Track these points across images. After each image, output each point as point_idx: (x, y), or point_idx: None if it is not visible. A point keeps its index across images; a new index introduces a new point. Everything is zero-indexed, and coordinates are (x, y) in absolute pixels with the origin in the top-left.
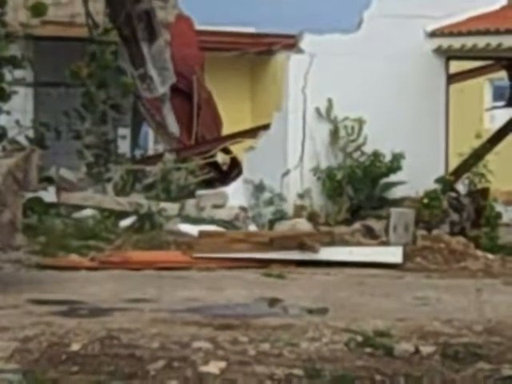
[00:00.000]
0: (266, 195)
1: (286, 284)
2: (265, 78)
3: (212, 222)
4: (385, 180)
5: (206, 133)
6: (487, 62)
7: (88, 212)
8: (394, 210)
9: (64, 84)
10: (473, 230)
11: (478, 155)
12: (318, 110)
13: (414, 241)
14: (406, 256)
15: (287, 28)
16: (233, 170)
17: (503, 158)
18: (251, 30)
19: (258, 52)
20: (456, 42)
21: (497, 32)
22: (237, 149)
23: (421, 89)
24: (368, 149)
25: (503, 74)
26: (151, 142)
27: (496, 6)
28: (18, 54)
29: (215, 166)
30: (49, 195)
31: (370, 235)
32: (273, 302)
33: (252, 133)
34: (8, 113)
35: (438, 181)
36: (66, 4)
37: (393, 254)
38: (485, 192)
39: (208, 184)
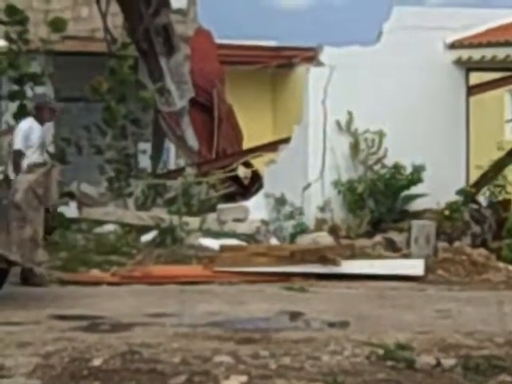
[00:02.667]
0: (287, 209)
1: (307, 297)
2: (285, 91)
3: (233, 235)
4: (406, 192)
5: (226, 147)
6: (507, 73)
7: (109, 227)
8: (415, 223)
9: (84, 99)
10: (494, 241)
11: (498, 167)
12: (338, 123)
13: (435, 253)
14: (428, 268)
15: (307, 41)
16: (254, 183)
17: None
18: (271, 43)
19: (278, 65)
20: (476, 54)
21: None
22: (258, 162)
23: (441, 101)
24: (389, 161)
25: None
26: (173, 157)
27: None
28: (38, 70)
29: (236, 179)
30: (70, 210)
31: (392, 248)
32: (294, 315)
33: (273, 146)
34: None
35: (459, 193)
36: (85, 19)
37: (414, 267)
38: (506, 203)
39: (229, 198)
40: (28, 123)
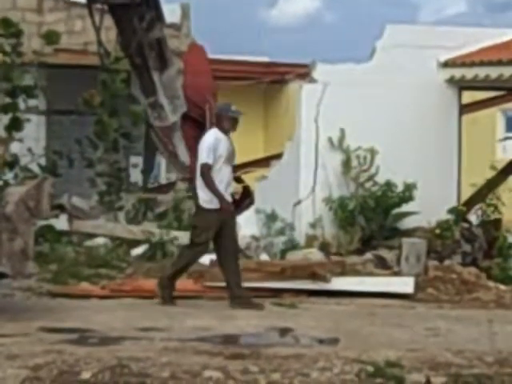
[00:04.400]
0: (278, 225)
1: (297, 314)
2: (278, 107)
3: None
4: (397, 210)
5: None
6: (500, 92)
7: (100, 240)
8: (405, 241)
9: (76, 112)
10: (485, 260)
11: (490, 186)
12: (330, 140)
13: (425, 271)
14: (418, 286)
15: (300, 57)
16: (245, 199)
17: None
18: (264, 59)
19: (270, 81)
20: (469, 73)
21: (509, 62)
22: (249, 178)
23: (433, 119)
24: (380, 179)
25: None
26: (164, 171)
27: (509, 37)
28: (30, 82)
29: None
30: (60, 223)
31: (382, 265)
32: (284, 331)
33: (264, 162)
34: (20, 140)
35: (450, 211)
36: (78, 32)
37: (404, 285)
38: (497, 223)
39: None
40: (212, 136)
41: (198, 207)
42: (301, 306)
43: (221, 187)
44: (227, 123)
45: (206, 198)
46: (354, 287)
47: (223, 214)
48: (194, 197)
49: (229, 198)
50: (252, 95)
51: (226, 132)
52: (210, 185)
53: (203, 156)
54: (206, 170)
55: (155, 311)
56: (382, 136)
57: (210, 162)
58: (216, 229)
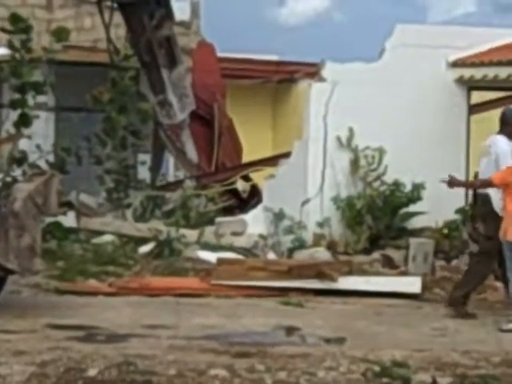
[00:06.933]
0: (286, 223)
1: (303, 313)
2: (286, 105)
3: (231, 249)
4: (405, 210)
5: (226, 160)
6: (509, 92)
7: (107, 237)
8: (413, 240)
9: (85, 109)
10: None
11: None
12: (338, 139)
13: (432, 271)
14: (425, 286)
15: (309, 56)
16: (253, 197)
17: None
18: (273, 57)
19: (279, 80)
20: (478, 73)
21: None
22: (257, 176)
23: (442, 119)
24: (388, 178)
25: None
26: (172, 169)
27: None
28: (40, 79)
29: (235, 193)
30: (68, 220)
31: (389, 265)
32: (290, 330)
33: (272, 161)
34: (29, 137)
35: (457, 211)
36: (88, 29)
37: (411, 284)
38: None
39: (227, 211)
40: (506, 143)
41: (492, 214)
42: (308, 305)
43: None
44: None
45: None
46: (361, 287)
47: None
48: (484, 203)
49: None
50: (261, 94)
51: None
52: None
53: (507, 161)
54: None
55: (162, 309)
56: (390, 135)
57: None
58: None
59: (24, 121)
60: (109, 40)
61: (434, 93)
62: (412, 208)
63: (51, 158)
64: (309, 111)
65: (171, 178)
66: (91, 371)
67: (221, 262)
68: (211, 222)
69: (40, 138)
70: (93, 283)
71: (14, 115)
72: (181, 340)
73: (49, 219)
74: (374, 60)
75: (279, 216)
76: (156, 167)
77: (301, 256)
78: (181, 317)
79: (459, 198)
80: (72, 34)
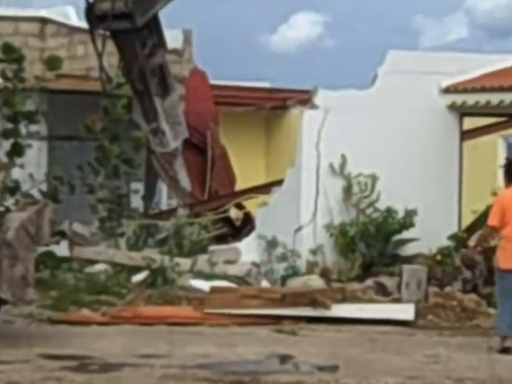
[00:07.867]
0: (279, 251)
1: (297, 341)
2: (279, 133)
3: (224, 277)
4: (398, 236)
5: (219, 188)
6: (501, 118)
7: (100, 267)
8: (406, 267)
9: (78, 138)
10: (485, 287)
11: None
12: (331, 166)
13: (426, 298)
14: (418, 313)
15: (301, 83)
16: (246, 225)
17: None
18: (266, 84)
19: (272, 107)
20: (470, 99)
21: (510, 88)
22: (250, 204)
23: (434, 145)
24: (381, 205)
25: None
26: (165, 197)
27: (510, 63)
28: (32, 108)
29: (228, 221)
30: (61, 249)
31: (383, 292)
32: (284, 358)
33: (265, 188)
34: (22, 166)
35: (450, 238)
36: (81, 58)
37: (404, 311)
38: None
39: (221, 239)
40: None
41: None
42: (301, 333)
43: None
44: None
45: None
46: (355, 314)
47: None
48: None
49: None
50: (253, 121)
51: None
52: None
53: None
54: None
55: (155, 338)
56: (383, 162)
57: None
58: None
59: (17, 150)
60: (101, 68)
61: (427, 119)
62: (405, 234)
63: (44, 187)
64: (301, 138)
65: (164, 207)
66: None
67: (213, 290)
68: (204, 250)
69: (33, 167)
70: (86, 313)
71: (6, 144)
72: (174, 369)
73: (42, 248)
74: (367, 87)
75: (272, 244)
76: (149, 196)
77: (294, 284)
78: (174, 346)
79: (452, 224)
80: (65, 62)
